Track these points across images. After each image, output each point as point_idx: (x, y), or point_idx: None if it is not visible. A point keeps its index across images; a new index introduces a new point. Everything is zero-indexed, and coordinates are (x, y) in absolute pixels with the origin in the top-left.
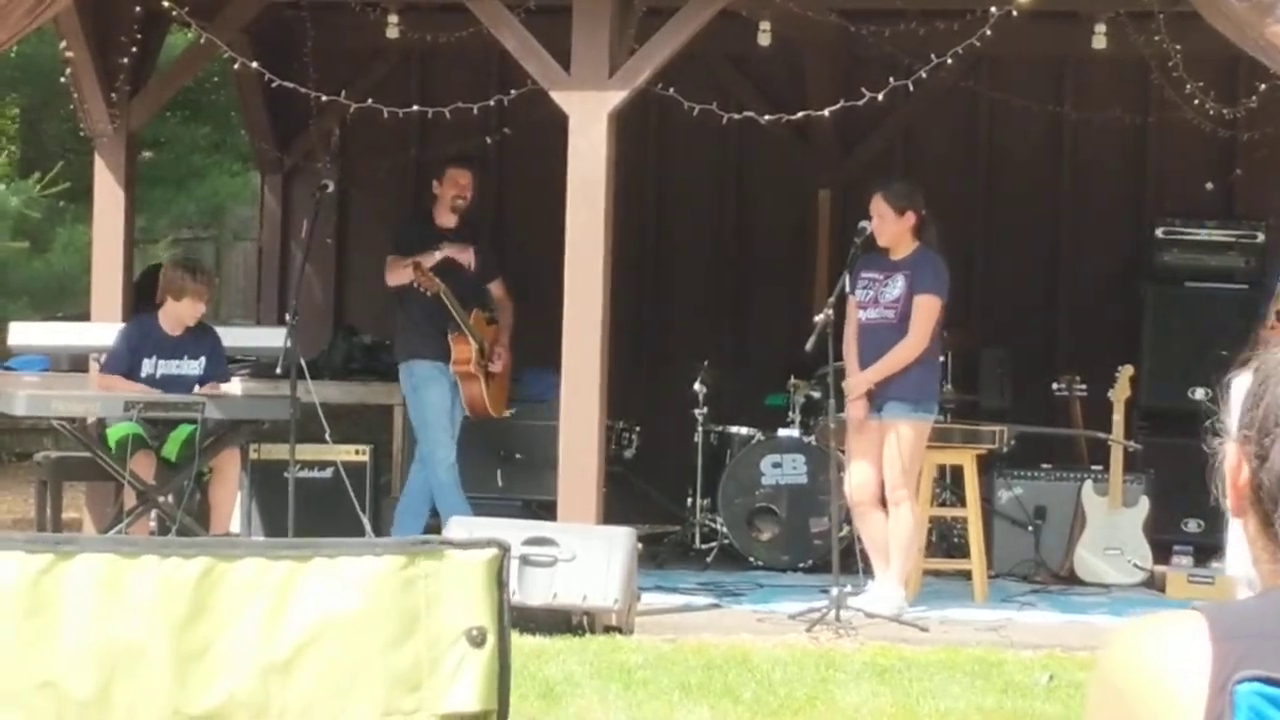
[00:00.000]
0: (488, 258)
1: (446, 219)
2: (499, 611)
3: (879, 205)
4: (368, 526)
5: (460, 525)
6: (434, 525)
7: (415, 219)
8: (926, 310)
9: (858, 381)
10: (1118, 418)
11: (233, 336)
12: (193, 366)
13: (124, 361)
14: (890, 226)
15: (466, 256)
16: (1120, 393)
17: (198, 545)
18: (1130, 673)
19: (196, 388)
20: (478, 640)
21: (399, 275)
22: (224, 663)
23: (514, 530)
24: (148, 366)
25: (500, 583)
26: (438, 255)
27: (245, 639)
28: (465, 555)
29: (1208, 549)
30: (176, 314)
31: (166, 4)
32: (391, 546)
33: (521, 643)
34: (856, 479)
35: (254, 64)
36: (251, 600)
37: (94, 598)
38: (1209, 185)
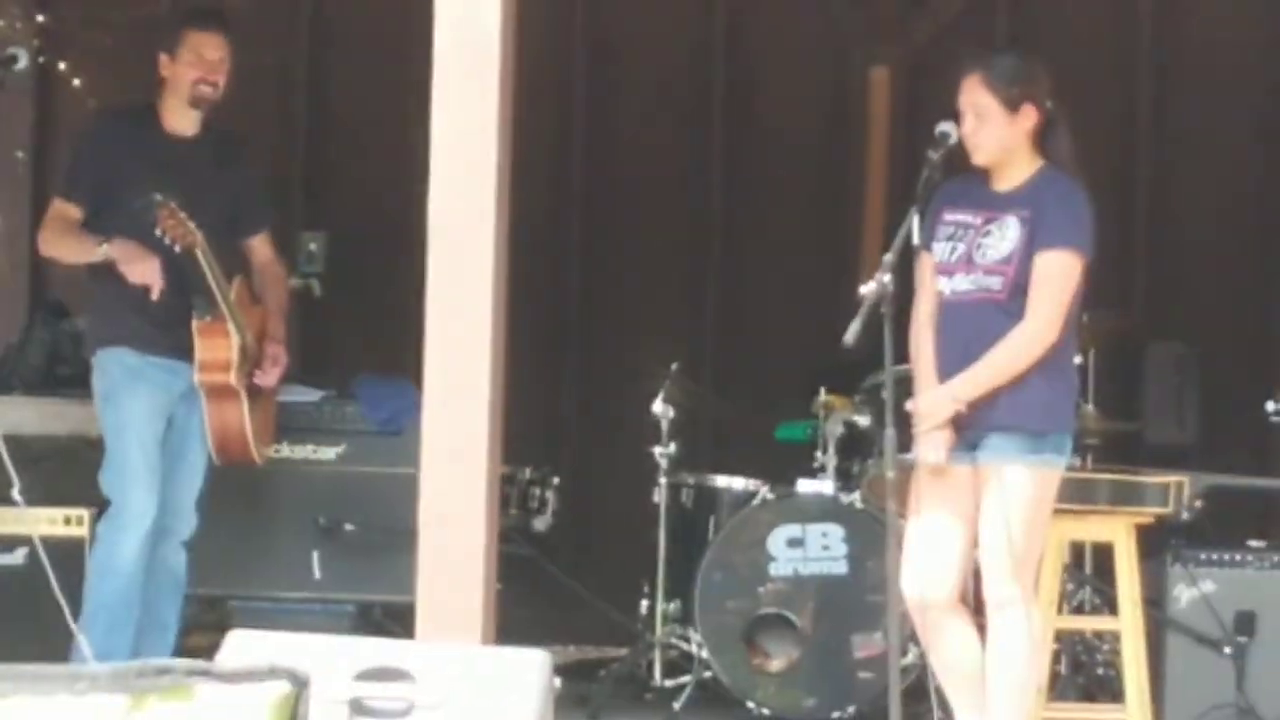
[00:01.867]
0: (250, 193)
1: (182, 119)
2: None
3: (976, 95)
4: (83, 644)
5: (238, 642)
6: (197, 644)
7: (126, 119)
8: (1058, 276)
9: (937, 400)
10: None
11: None
12: None
13: None
14: (995, 130)
15: (146, 271)
16: None
17: None
18: None
19: None
20: None
21: (73, 249)
22: None
23: (340, 654)
24: None
25: None
26: (103, 251)
27: None
28: (235, 694)
29: None
30: None
31: None
32: (108, 679)
33: None
34: (929, 566)
35: None
36: None
37: None
38: None
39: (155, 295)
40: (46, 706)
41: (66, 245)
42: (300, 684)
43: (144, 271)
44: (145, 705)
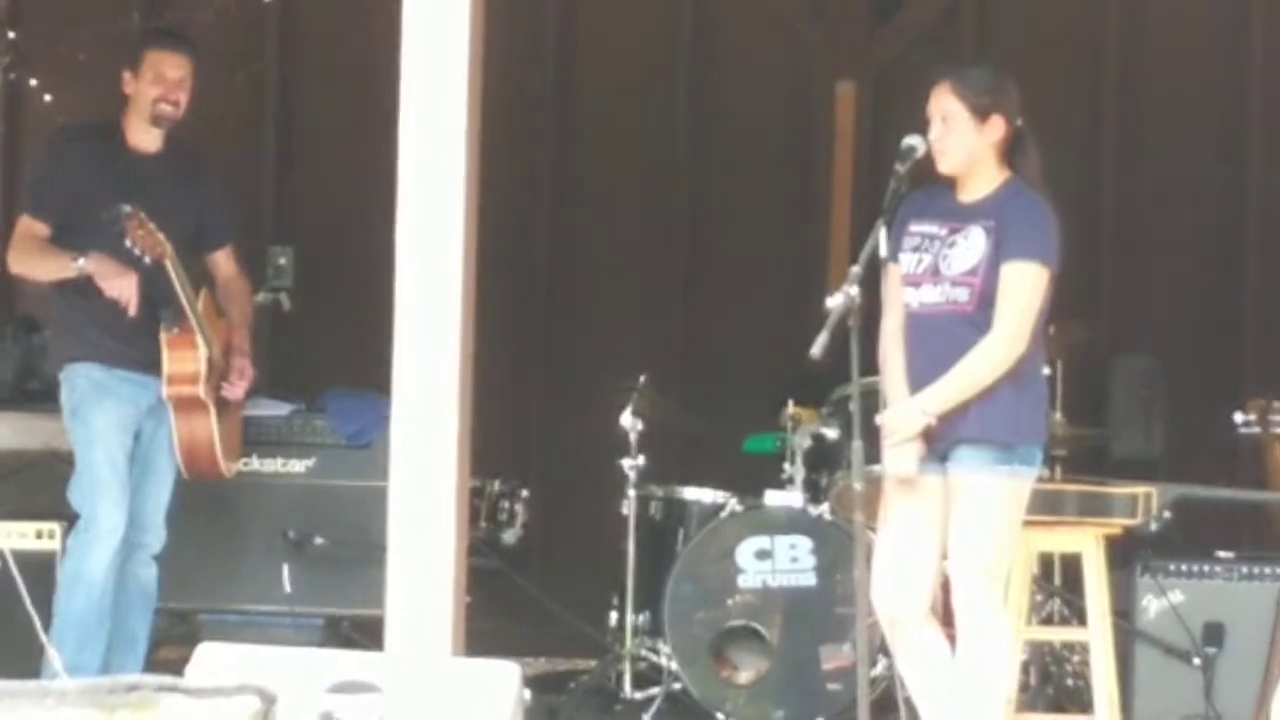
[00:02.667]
0: (213, 208)
1: (145, 136)
2: None
3: (945, 101)
4: (55, 659)
5: (208, 655)
6: (167, 658)
7: (90, 136)
8: (1025, 288)
9: (907, 413)
10: None
11: None
12: None
13: None
14: (963, 140)
15: (124, 286)
16: None
17: None
18: None
19: None
20: None
21: (47, 266)
22: None
23: (310, 667)
24: None
25: None
26: (78, 265)
27: None
28: (204, 709)
29: None
30: None
31: None
32: (78, 694)
33: None
34: (898, 577)
35: None
36: None
37: None
38: None
39: (132, 312)
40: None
41: (39, 262)
42: (269, 700)
43: (121, 286)
44: (115, 718)
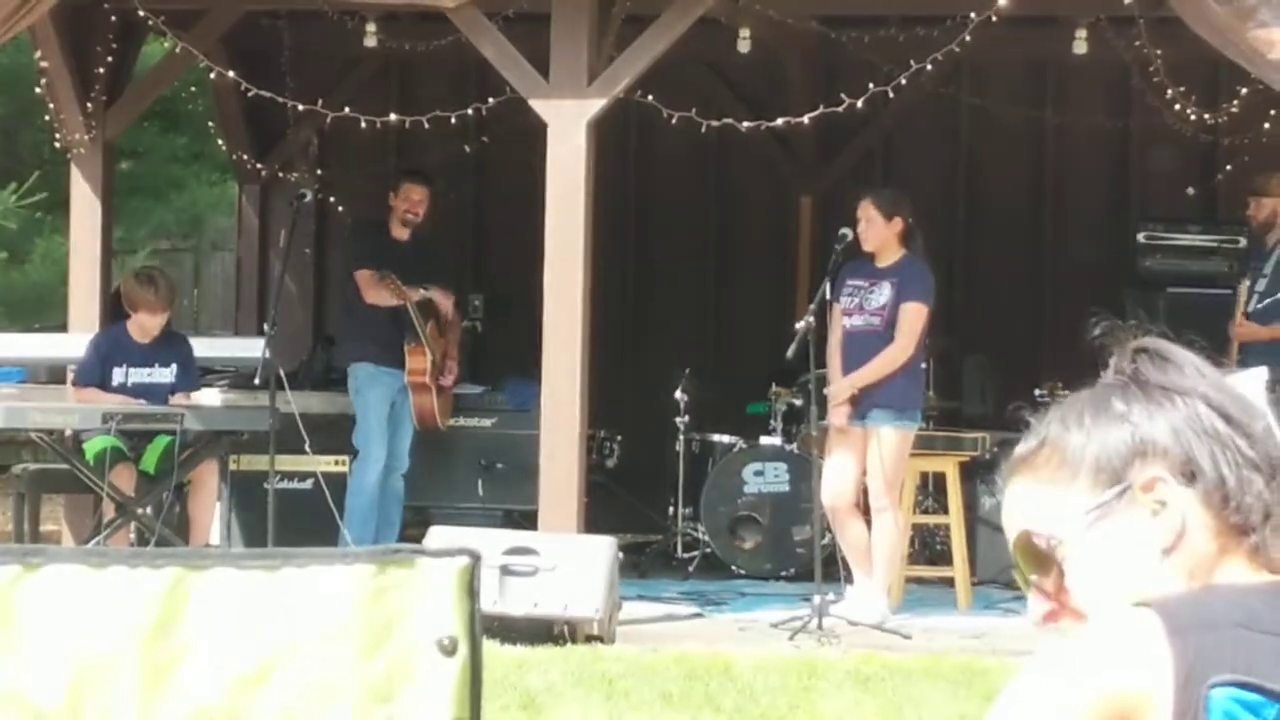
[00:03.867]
0: (440, 271)
1: (399, 231)
2: (471, 621)
3: (867, 209)
4: (347, 536)
5: (437, 533)
6: (412, 535)
7: (370, 229)
8: (914, 318)
9: (841, 386)
10: None
11: (211, 347)
12: (164, 374)
13: (95, 372)
14: (878, 231)
15: (448, 304)
16: None
17: (166, 556)
18: (1089, 678)
19: (169, 397)
20: (449, 650)
21: (382, 295)
22: (193, 675)
23: (495, 540)
24: (118, 375)
25: (472, 591)
26: (422, 293)
27: (214, 651)
28: (436, 564)
29: None
30: (140, 324)
31: (143, 13)
32: (362, 555)
33: (502, 653)
34: (836, 486)
35: (231, 73)
36: (221, 611)
37: (61, 609)
38: (1191, 190)
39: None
40: (330, 570)
41: (381, 293)
42: (476, 558)
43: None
44: (386, 571)
